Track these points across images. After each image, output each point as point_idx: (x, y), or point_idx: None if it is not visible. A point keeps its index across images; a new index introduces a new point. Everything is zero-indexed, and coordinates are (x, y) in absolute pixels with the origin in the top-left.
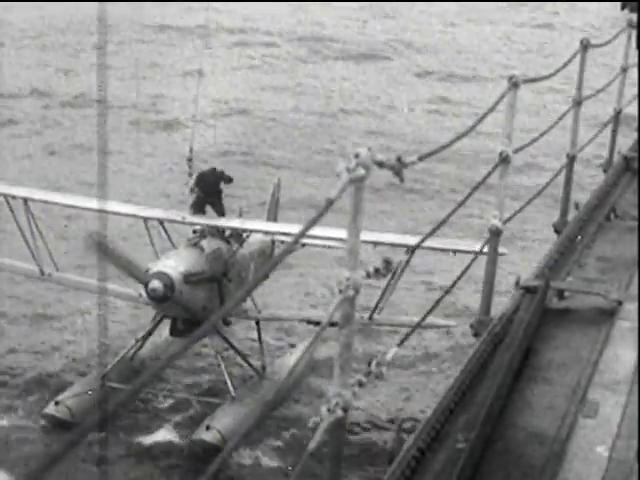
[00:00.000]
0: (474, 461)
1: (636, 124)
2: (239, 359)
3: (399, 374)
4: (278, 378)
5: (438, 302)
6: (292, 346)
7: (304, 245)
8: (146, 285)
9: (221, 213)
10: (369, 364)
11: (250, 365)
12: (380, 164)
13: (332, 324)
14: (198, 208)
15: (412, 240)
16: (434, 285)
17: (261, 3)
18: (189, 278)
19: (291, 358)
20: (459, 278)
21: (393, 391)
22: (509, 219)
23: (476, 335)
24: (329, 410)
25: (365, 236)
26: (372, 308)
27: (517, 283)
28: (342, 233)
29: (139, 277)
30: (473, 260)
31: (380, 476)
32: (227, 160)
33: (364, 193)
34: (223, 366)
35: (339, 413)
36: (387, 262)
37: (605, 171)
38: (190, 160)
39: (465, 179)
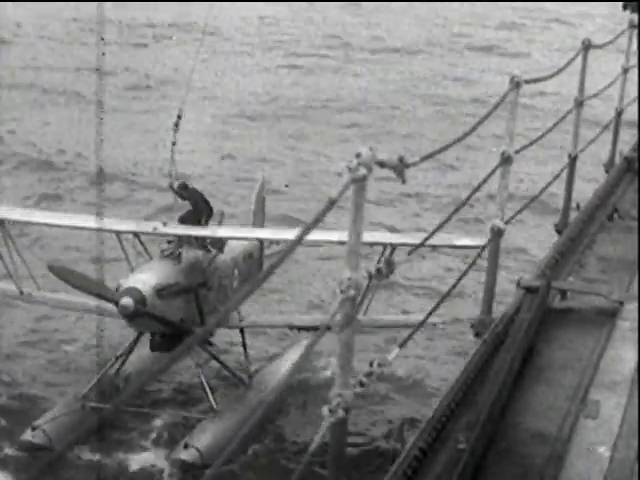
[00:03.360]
0: (475, 461)
1: (637, 124)
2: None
3: (400, 374)
4: (265, 388)
5: (440, 302)
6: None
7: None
8: (117, 303)
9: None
10: (370, 364)
11: (234, 375)
12: (381, 164)
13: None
14: (189, 219)
15: (412, 239)
16: (432, 287)
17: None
18: (162, 292)
19: (279, 365)
20: (461, 277)
21: (394, 391)
22: (511, 219)
23: (477, 335)
24: (330, 410)
25: (364, 237)
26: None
27: (518, 283)
28: (340, 235)
29: (108, 296)
30: (476, 258)
31: (381, 476)
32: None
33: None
34: (203, 378)
35: (340, 413)
36: (389, 262)
37: (606, 171)
38: (171, 176)
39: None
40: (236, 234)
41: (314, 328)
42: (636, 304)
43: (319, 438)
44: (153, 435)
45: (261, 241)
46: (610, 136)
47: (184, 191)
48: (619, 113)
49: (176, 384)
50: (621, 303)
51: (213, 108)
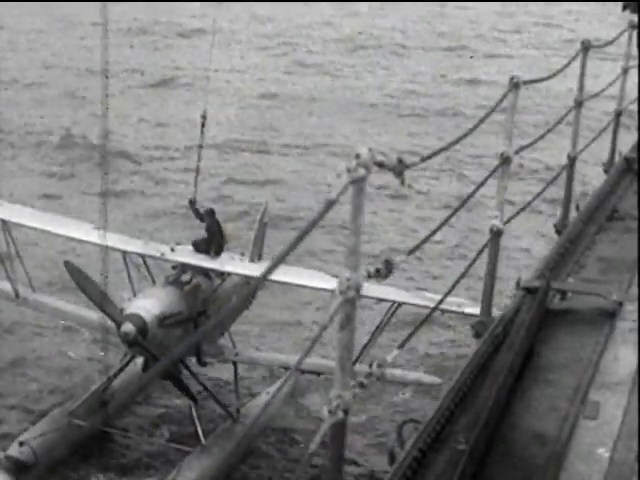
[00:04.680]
0: (475, 462)
1: (637, 125)
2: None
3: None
4: (252, 422)
5: (440, 302)
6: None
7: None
8: (119, 326)
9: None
10: (370, 365)
11: (224, 408)
12: (380, 165)
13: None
14: (202, 246)
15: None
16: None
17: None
18: (164, 321)
19: (266, 399)
20: (461, 277)
21: (394, 392)
22: (510, 220)
23: (477, 336)
24: (330, 412)
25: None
26: None
27: (518, 284)
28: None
29: (112, 315)
30: (475, 259)
31: (381, 477)
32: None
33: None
34: (194, 410)
35: (340, 414)
36: (388, 262)
37: (606, 172)
38: (192, 203)
39: None
40: (241, 270)
41: (309, 372)
42: (636, 305)
43: (318, 439)
44: (139, 463)
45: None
46: (609, 136)
47: (210, 217)
48: (618, 113)
49: (166, 413)
50: (621, 304)
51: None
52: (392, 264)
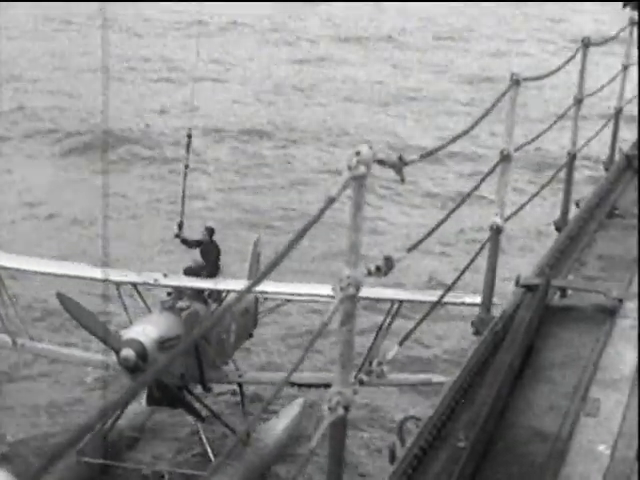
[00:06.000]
0: (475, 460)
1: (637, 122)
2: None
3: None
4: (263, 445)
5: (441, 299)
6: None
7: (289, 301)
8: (118, 353)
9: (213, 273)
10: (370, 363)
11: (233, 432)
12: (381, 162)
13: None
14: (194, 273)
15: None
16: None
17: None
18: (163, 345)
19: (277, 423)
20: (461, 274)
21: (394, 389)
22: (510, 217)
23: (477, 333)
24: (330, 409)
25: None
26: None
27: (517, 281)
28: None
29: (111, 343)
30: (475, 256)
31: (381, 475)
32: None
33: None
34: (203, 435)
35: (340, 411)
36: (388, 259)
37: (606, 169)
38: (180, 227)
39: None
40: (237, 287)
41: (315, 385)
42: (636, 302)
43: (319, 436)
44: None
45: (256, 297)
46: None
47: (208, 237)
48: (619, 110)
49: (174, 440)
50: (621, 301)
51: None
52: (392, 261)
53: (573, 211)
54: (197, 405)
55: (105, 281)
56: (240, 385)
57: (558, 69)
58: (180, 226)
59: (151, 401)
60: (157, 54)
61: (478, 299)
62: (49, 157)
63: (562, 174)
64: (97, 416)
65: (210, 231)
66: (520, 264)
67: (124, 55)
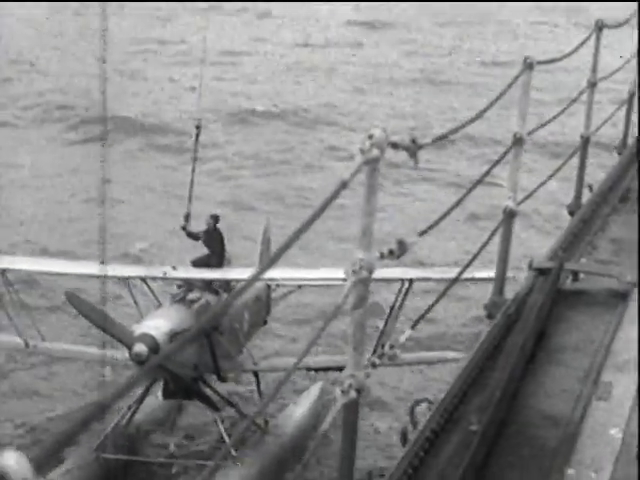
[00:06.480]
0: (487, 443)
1: None
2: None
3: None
4: (282, 432)
5: (454, 281)
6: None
7: (300, 287)
8: (130, 348)
9: (219, 263)
10: (382, 346)
11: (251, 420)
12: (394, 145)
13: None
14: (202, 264)
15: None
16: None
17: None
18: (175, 338)
19: (295, 409)
20: (474, 257)
21: (406, 372)
22: (523, 200)
23: (489, 316)
24: (342, 391)
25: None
26: None
27: (530, 265)
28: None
29: (123, 338)
30: (488, 240)
31: (394, 457)
32: None
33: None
34: (220, 425)
35: (352, 394)
36: (401, 243)
37: (619, 153)
38: (186, 219)
39: None
40: (247, 275)
41: (330, 369)
42: None
43: (331, 418)
44: None
45: (269, 284)
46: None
47: (213, 224)
48: (632, 95)
49: (191, 431)
50: (633, 285)
51: None
52: (405, 245)
53: (586, 195)
54: (213, 396)
55: (113, 277)
56: (256, 373)
57: (571, 52)
58: (187, 218)
59: (167, 394)
60: (171, 36)
61: (490, 274)
62: (60, 143)
63: (575, 158)
64: (111, 398)
65: (215, 219)
66: (533, 248)
67: (136, 38)
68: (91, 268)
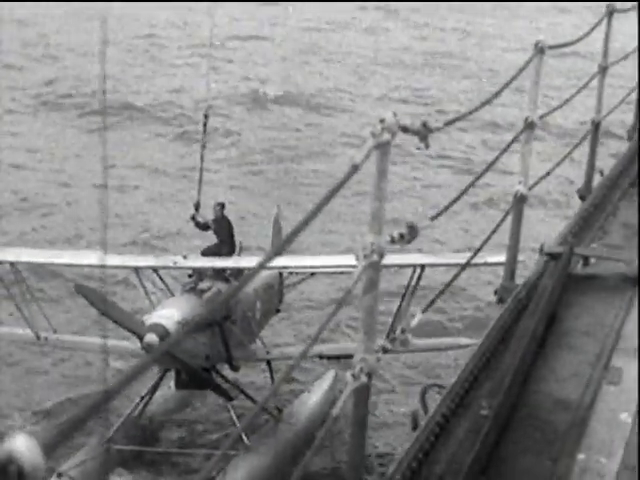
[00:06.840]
0: (498, 427)
1: None
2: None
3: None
4: (295, 420)
5: (465, 266)
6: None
7: (313, 274)
8: (141, 339)
9: (230, 251)
10: (394, 330)
11: (264, 408)
12: (405, 129)
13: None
14: (212, 253)
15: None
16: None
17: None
18: (186, 327)
19: (309, 397)
20: (485, 241)
21: (417, 357)
22: (534, 185)
23: (500, 301)
24: (353, 376)
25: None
26: None
27: (541, 249)
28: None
29: (134, 329)
30: (499, 224)
31: (404, 442)
32: None
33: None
34: (233, 413)
35: (363, 379)
36: (411, 227)
37: (629, 138)
38: (197, 208)
39: None
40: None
41: (343, 356)
42: None
43: (342, 403)
44: (187, 475)
45: (281, 272)
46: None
47: (220, 212)
48: None
49: (204, 421)
50: None
51: None
52: (416, 229)
53: (597, 179)
54: (226, 385)
55: (123, 267)
56: (269, 362)
57: (583, 37)
58: (197, 207)
59: (179, 385)
60: (183, 21)
61: (501, 259)
62: (70, 128)
63: (586, 142)
64: (119, 384)
65: (222, 206)
66: (544, 232)
67: (149, 22)
68: (100, 259)
